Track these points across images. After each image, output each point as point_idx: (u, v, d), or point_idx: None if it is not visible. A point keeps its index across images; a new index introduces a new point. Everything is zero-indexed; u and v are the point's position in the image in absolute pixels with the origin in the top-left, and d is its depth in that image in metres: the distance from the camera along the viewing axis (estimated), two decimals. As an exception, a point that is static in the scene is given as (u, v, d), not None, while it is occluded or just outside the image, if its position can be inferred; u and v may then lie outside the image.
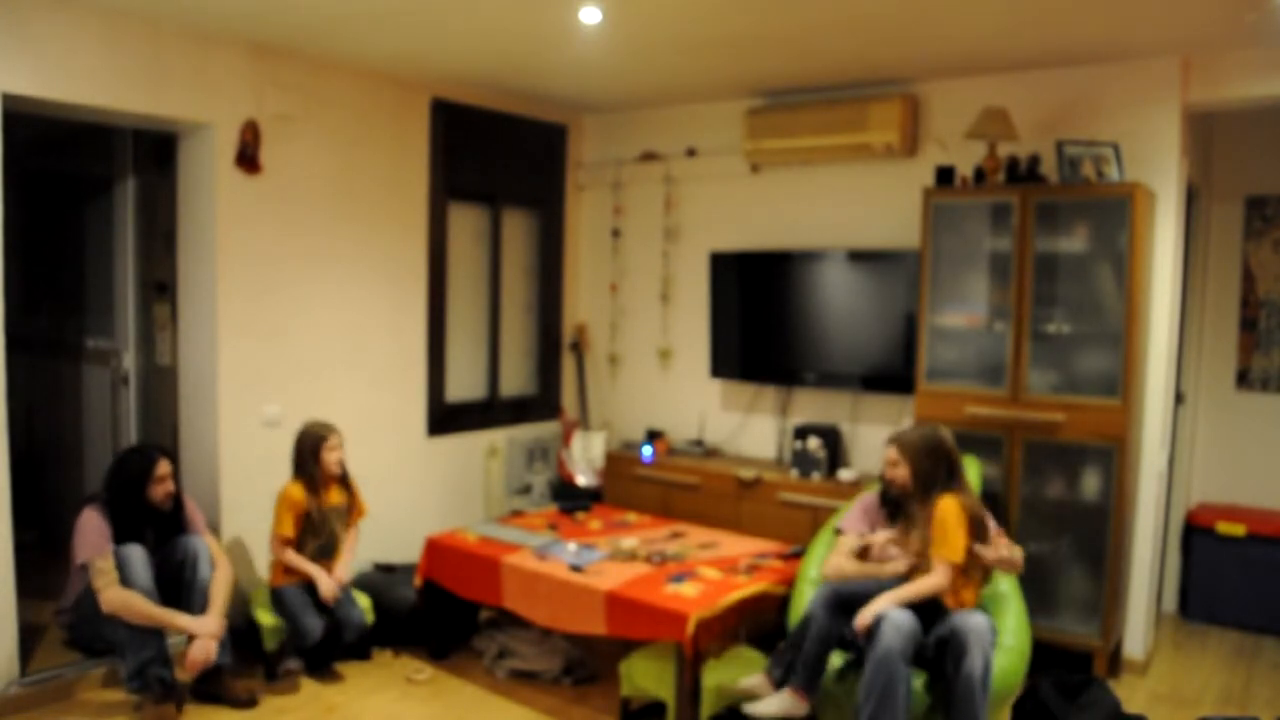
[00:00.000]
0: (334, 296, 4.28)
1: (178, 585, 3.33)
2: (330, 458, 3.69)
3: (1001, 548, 2.95)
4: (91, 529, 3.25)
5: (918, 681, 2.89)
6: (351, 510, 3.84)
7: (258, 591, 3.78)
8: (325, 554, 3.72)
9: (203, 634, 3.24)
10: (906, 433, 3.10)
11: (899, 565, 3.01)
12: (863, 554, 3.14)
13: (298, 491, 3.65)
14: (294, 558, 3.62)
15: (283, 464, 3.78)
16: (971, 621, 2.77)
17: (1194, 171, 4.18)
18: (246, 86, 3.86)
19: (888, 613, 2.79)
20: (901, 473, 3.07)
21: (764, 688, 2.96)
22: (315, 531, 3.67)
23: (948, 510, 2.91)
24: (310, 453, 3.67)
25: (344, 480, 3.80)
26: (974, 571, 2.96)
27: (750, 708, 2.96)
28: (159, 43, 3.58)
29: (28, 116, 3.43)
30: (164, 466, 3.40)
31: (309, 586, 3.63)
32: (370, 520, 4.25)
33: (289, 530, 3.61)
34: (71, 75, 3.35)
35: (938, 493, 2.96)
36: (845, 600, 2.92)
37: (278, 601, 3.59)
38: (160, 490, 3.38)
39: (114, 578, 3.17)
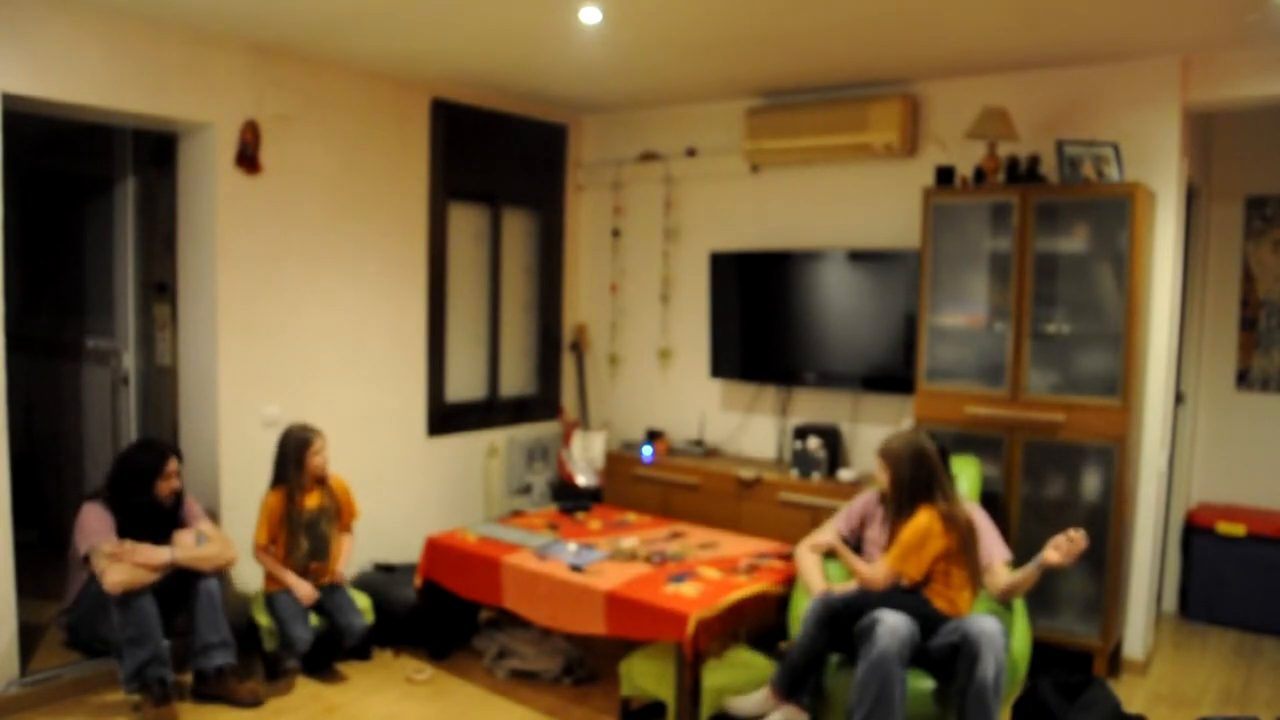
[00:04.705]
0: (334, 296, 4.28)
1: (184, 580, 3.34)
2: (315, 461, 3.69)
3: (1062, 545, 2.80)
4: (93, 519, 3.29)
5: (925, 686, 2.88)
6: (341, 511, 3.84)
7: (256, 593, 3.78)
8: (318, 556, 3.72)
9: (182, 538, 3.34)
10: (890, 441, 3.12)
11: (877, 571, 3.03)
12: (857, 550, 3.25)
13: (276, 500, 3.66)
14: (272, 565, 3.63)
15: (283, 464, 3.79)
16: (984, 626, 2.76)
17: (1194, 171, 4.17)
18: (246, 86, 3.86)
19: (883, 616, 2.80)
20: (883, 480, 3.10)
21: (768, 702, 3.00)
22: (304, 534, 3.67)
23: (918, 527, 2.94)
24: (295, 457, 3.67)
25: (322, 481, 3.79)
26: (963, 575, 2.96)
27: (738, 708, 3.04)
28: (159, 43, 3.58)
29: (28, 116, 3.43)
30: (172, 463, 3.44)
31: None
32: (370, 520, 4.25)
33: (264, 538, 3.63)
34: (71, 75, 3.35)
35: (919, 503, 2.98)
36: (838, 613, 2.93)
37: (270, 608, 3.60)
38: (166, 487, 3.42)
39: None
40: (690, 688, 3.06)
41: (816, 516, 4.07)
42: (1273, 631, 4.34)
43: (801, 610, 3.16)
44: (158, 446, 3.50)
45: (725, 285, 4.79)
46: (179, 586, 3.33)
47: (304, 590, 3.60)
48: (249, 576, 3.91)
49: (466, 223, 4.97)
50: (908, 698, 2.80)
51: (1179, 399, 4.50)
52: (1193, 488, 4.77)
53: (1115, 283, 3.61)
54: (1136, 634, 3.87)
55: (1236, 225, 4.64)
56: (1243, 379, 4.66)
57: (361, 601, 3.80)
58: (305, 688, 3.60)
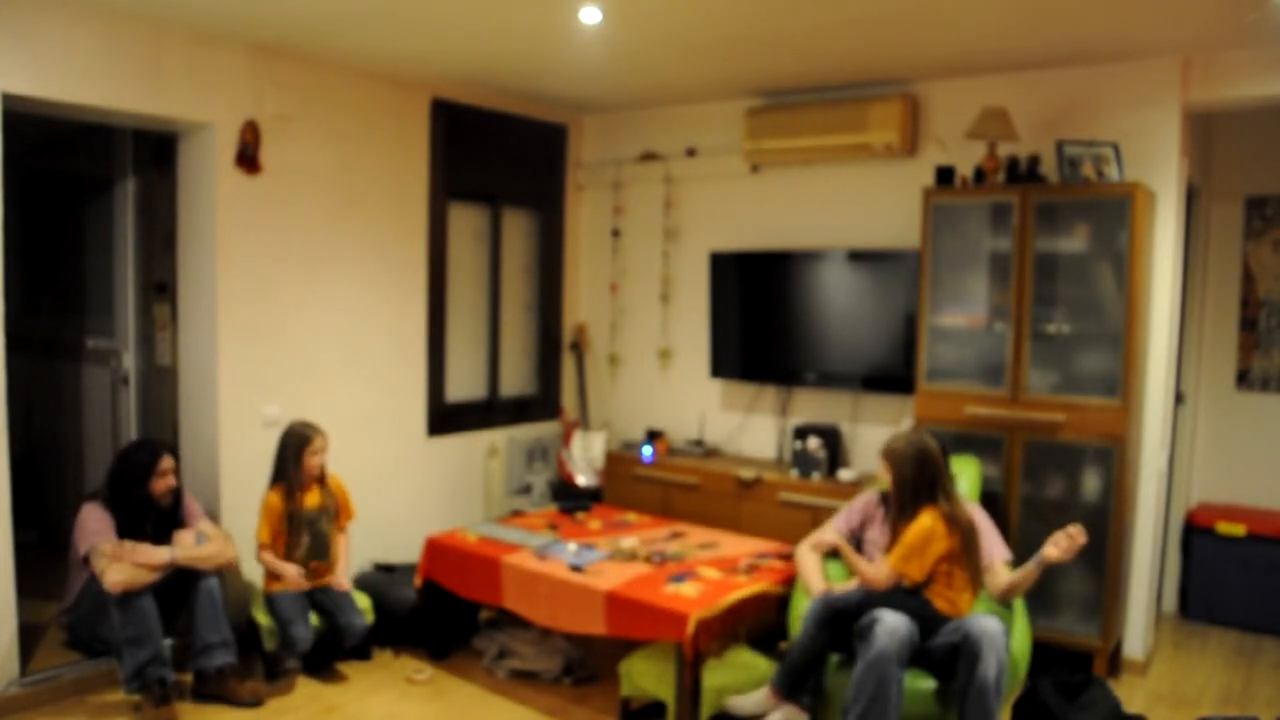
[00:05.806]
0: (334, 296, 4.28)
1: (184, 579, 3.34)
2: (313, 461, 3.69)
3: (1062, 542, 2.83)
4: (93, 519, 3.29)
5: (926, 686, 2.89)
6: (339, 511, 3.84)
7: (256, 593, 3.78)
8: (318, 554, 3.72)
9: (182, 538, 3.37)
10: (893, 441, 3.12)
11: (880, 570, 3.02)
12: (856, 550, 3.25)
13: (275, 499, 3.67)
14: (270, 559, 3.64)
15: (283, 464, 3.79)
16: (985, 625, 2.76)
17: (1194, 171, 4.17)
18: (246, 86, 3.86)
19: (882, 616, 2.80)
20: (885, 480, 3.11)
21: (768, 702, 3.00)
22: (303, 532, 3.68)
23: (921, 528, 2.94)
24: (294, 455, 3.68)
25: (322, 480, 3.79)
26: (965, 576, 2.96)
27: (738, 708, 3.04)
28: (159, 43, 3.58)
29: (28, 116, 3.43)
30: (167, 461, 3.44)
31: (303, 592, 3.64)
32: (370, 520, 4.25)
33: (265, 537, 3.65)
34: (71, 75, 3.35)
35: (922, 504, 2.99)
36: (838, 612, 2.94)
37: (270, 608, 3.60)
38: (162, 484, 3.42)
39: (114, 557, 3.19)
40: (690, 688, 3.06)
41: (816, 516, 4.07)
42: (1273, 631, 4.34)
43: (801, 610, 3.16)
44: (153, 444, 3.53)
45: (725, 285, 4.79)
46: (179, 586, 3.33)
47: (290, 571, 3.60)
48: (250, 576, 3.91)
49: (466, 223, 4.97)
50: (905, 698, 2.80)
51: (1179, 399, 4.50)
52: (1193, 488, 4.77)
53: (1115, 283, 3.61)
54: (1136, 634, 3.87)
55: (1236, 225, 4.64)
56: (1243, 379, 4.66)
57: (361, 601, 3.80)
58: (305, 688, 3.60)
